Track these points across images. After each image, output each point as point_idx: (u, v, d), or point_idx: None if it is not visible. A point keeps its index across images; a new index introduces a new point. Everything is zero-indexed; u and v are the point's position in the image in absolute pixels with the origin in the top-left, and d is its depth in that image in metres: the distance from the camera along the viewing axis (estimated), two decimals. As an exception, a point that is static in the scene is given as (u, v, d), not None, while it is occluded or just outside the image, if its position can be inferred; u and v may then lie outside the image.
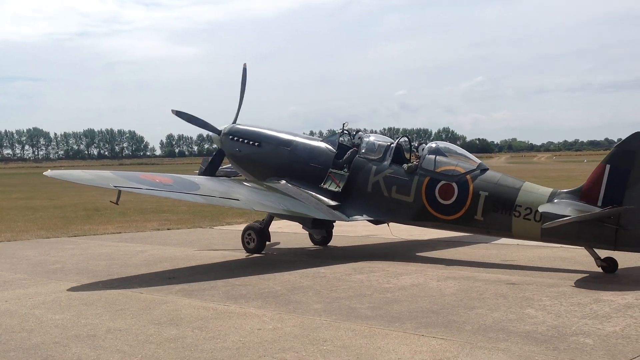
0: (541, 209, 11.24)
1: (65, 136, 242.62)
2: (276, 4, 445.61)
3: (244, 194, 13.43)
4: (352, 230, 17.10)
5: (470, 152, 13.83)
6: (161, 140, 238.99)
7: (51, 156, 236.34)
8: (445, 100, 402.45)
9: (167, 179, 13.01)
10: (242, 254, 14.09)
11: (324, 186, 14.25)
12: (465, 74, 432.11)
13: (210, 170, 15.93)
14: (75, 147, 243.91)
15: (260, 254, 14.08)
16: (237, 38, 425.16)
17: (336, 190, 14.08)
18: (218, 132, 16.58)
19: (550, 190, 11.73)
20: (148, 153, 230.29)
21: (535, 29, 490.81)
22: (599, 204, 10.70)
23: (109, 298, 9.50)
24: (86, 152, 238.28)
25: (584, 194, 10.98)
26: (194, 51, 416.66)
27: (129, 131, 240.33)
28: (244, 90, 16.78)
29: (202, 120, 16.79)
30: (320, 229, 14.54)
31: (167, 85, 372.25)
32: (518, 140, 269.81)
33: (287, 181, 14.67)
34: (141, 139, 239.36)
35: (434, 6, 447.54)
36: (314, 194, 14.18)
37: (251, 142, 15.82)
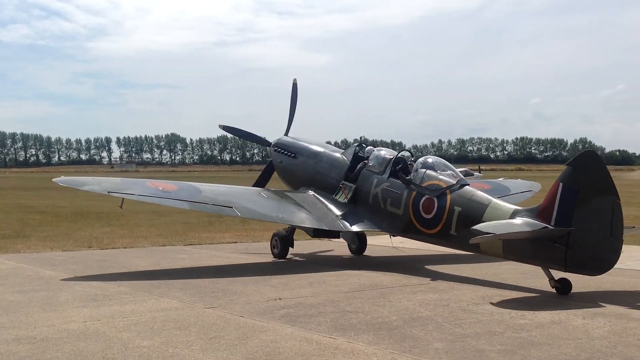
0: (475, 226, 11.15)
1: (200, 142, 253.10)
2: (408, 12, 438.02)
3: (243, 202, 13.95)
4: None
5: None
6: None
7: (187, 161, 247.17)
8: (583, 109, 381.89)
9: (172, 186, 13.93)
10: (359, 271, 12.97)
11: (335, 197, 14.91)
12: (605, 82, 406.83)
13: (260, 182, 17.02)
14: (209, 152, 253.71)
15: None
16: (368, 46, 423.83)
17: (343, 201, 14.69)
18: (268, 144, 17.78)
19: (514, 207, 11.64)
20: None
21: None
22: (552, 222, 10.41)
23: (205, 321, 8.62)
24: (219, 157, 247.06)
25: (540, 212, 10.72)
26: (325, 59, 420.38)
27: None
28: (294, 105, 17.70)
29: (250, 134, 18.16)
30: (324, 237, 15.73)
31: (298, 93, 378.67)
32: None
33: (313, 191, 15.38)
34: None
35: (571, 11, 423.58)
36: (328, 204, 14.78)
37: (289, 154, 16.88)
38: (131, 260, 14.62)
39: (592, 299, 10.32)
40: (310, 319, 8.81)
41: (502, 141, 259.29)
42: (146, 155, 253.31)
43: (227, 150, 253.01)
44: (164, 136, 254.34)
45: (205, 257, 15.33)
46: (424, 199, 12.94)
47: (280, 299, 10.20)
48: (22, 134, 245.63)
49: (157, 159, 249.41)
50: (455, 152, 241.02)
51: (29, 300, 9.96)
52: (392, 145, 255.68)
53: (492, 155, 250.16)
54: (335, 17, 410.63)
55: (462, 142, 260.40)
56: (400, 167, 14.05)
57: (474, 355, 7.17)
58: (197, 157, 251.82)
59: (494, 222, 11.29)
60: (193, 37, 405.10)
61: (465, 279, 12.26)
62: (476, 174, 61.18)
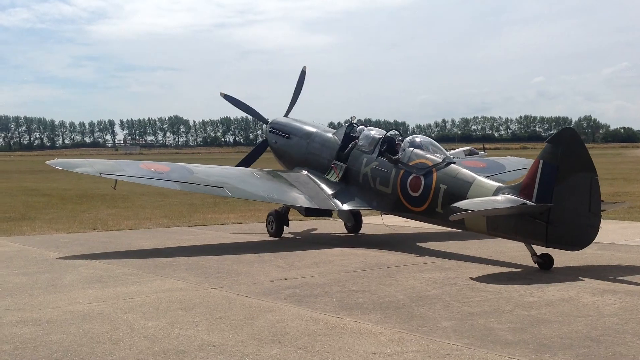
0: (454, 204, 11.33)
1: (204, 124, 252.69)
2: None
3: (235, 183, 14.22)
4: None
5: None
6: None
7: (190, 143, 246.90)
8: (587, 87, 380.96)
9: (165, 167, 14.23)
10: (364, 251, 12.88)
11: (327, 176, 15.12)
12: (608, 60, 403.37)
13: (247, 160, 17.21)
14: (212, 134, 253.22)
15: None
16: (369, 26, 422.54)
17: (334, 180, 14.91)
18: (265, 121, 17.96)
19: (497, 185, 11.81)
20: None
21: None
22: (534, 199, 10.54)
23: (211, 302, 8.55)
24: (222, 139, 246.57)
25: (522, 190, 10.84)
26: (326, 40, 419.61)
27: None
28: (299, 91, 18.02)
29: (249, 107, 18.25)
30: (316, 216, 15.70)
31: (298, 74, 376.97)
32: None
33: (306, 171, 15.61)
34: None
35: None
36: (320, 183, 15.00)
37: (283, 134, 17.04)
38: (136, 241, 14.56)
39: (601, 276, 10.21)
40: (316, 299, 8.73)
41: (506, 120, 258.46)
42: (150, 138, 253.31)
43: (231, 132, 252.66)
44: (166, 118, 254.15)
45: (210, 238, 15.27)
46: (411, 177, 13.11)
47: (285, 279, 10.13)
48: (25, 117, 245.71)
49: (161, 141, 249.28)
50: (459, 132, 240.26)
51: (34, 282, 9.90)
52: (395, 125, 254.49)
53: (496, 134, 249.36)
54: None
55: (465, 121, 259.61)
56: (388, 147, 14.21)
57: (483, 333, 7.08)
58: (200, 139, 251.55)
59: (474, 199, 11.47)
60: (193, 19, 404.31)
61: (472, 257, 12.16)
62: (481, 152, 61.01)
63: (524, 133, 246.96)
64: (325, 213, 15.07)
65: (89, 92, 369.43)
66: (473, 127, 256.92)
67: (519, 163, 18.95)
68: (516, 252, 12.34)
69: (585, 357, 6.27)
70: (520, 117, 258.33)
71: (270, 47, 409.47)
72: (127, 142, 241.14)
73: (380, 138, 14.45)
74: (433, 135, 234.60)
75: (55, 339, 6.80)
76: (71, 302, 8.55)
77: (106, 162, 14.40)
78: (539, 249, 10.89)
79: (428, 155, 13.17)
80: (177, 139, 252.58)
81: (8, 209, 23.22)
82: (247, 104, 18.42)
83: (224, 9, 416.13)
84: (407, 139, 13.91)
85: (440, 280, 9.95)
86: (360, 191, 14.40)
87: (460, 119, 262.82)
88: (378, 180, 13.96)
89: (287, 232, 15.60)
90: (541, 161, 10.52)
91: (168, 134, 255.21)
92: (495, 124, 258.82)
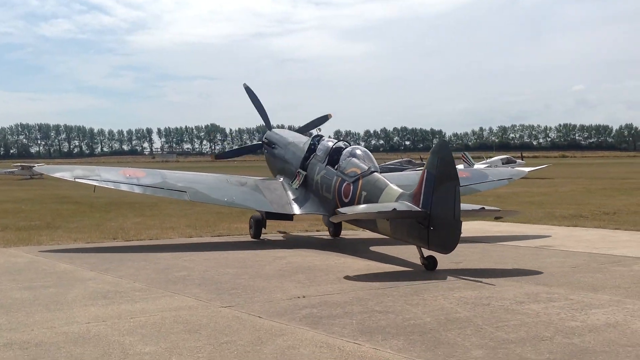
0: (338, 209, 12.98)
1: (240, 132, 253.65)
2: (448, 0, 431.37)
3: (200, 188, 15.44)
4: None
5: None
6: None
7: (226, 151, 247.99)
8: (629, 95, 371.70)
9: (141, 173, 15.52)
10: (392, 266, 12.07)
11: (292, 184, 16.27)
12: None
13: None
14: (248, 142, 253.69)
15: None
16: (407, 34, 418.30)
17: (296, 187, 16.08)
18: (270, 127, 19.36)
19: (401, 192, 12.56)
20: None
21: None
22: (420, 205, 11.30)
23: (219, 323, 7.83)
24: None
25: (414, 196, 11.61)
26: (363, 48, 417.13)
27: (299, 127, 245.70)
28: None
29: (263, 108, 19.39)
30: (276, 219, 16.47)
31: (336, 82, 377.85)
32: None
33: (282, 178, 16.90)
34: (310, 134, 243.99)
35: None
36: (287, 190, 16.22)
37: (271, 145, 18.47)
38: (153, 253, 13.94)
39: (651, 298, 9.24)
40: (334, 320, 7.95)
41: (545, 128, 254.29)
42: (187, 146, 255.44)
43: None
44: (203, 127, 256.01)
45: (231, 250, 14.59)
46: (344, 184, 14.24)
47: (304, 296, 9.37)
48: (65, 125, 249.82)
49: (198, 149, 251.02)
50: (497, 140, 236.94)
51: (35, 297, 9.30)
52: (432, 133, 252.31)
53: (534, 143, 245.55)
54: (373, 6, 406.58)
55: (503, 129, 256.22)
56: (336, 157, 15.13)
57: (519, 365, 6.23)
58: (236, 147, 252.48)
59: (356, 206, 13.15)
60: (231, 29, 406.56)
61: (507, 272, 11.27)
62: (518, 161, 59.84)
63: (563, 142, 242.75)
64: (285, 217, 15.97)
65: (127, 102, 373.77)
66: (511, 135, 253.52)
67: (504, 173, 20.14)
68: (556, 267, 11.46)
69: (639, 398, 5.39)
70: (560, 125, 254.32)
71: (308, 56, 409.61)
72: (164, 149, 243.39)
73: (330, 148, 15.48)
74: (470, 143, 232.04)
75: (38, 367, 6.14)
76: (68, 321, 7.91)
77: (85, 168, 15.78)
78: (427, 252, 11.53)
79: (360, 164, 14.15)
80: (213, 147, 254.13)
81: (35, 216, 22.97)
82: (262, 105, 19.55)
83: (262, 19, 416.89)
84: (348, 149, 14.95)
85: (472, 300, 9.09)
86: (313, 197, 15.58)
87: (498, 127, 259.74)
88: (324, 187, 15.09)
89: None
90: (425, 170, 11.31)
91: (205, 142, 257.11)
92: (533, 132, 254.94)
